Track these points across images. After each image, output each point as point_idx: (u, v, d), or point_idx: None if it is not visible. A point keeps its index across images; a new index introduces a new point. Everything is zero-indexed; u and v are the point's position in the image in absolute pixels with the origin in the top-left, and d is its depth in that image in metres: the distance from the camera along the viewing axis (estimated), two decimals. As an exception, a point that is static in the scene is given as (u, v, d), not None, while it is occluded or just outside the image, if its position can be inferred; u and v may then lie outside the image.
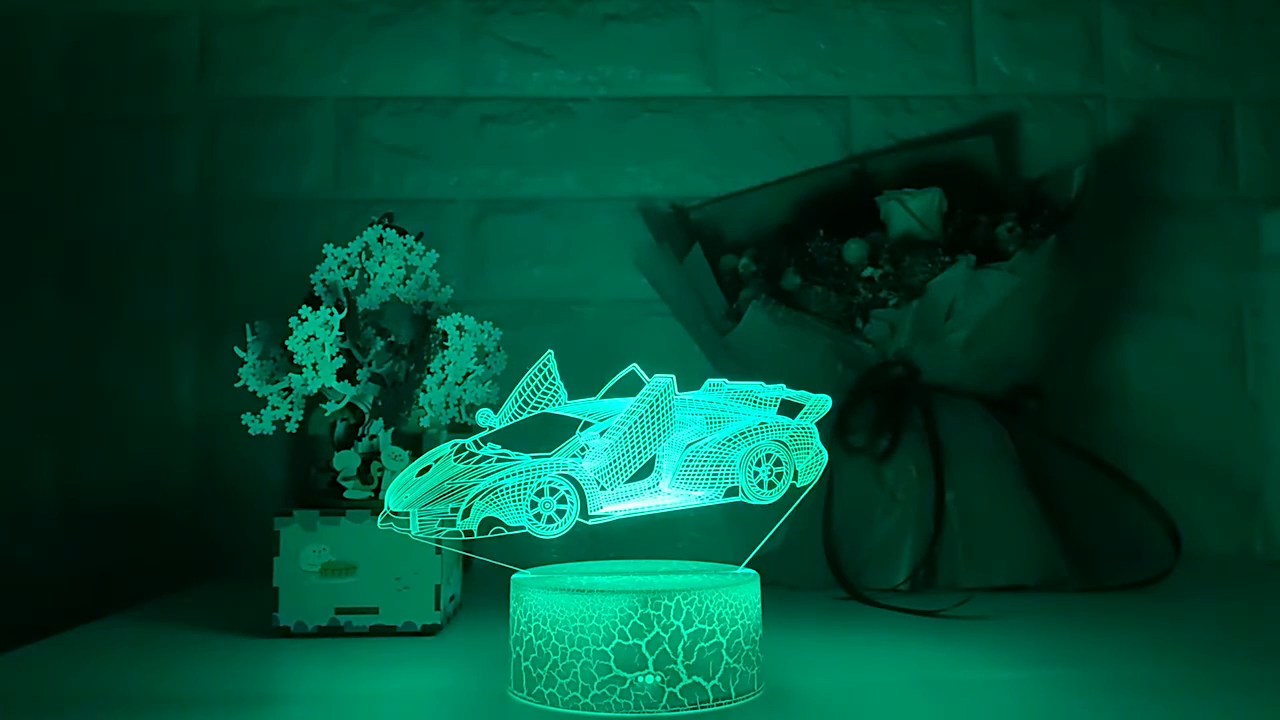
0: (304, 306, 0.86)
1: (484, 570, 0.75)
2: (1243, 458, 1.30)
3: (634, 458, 0.66)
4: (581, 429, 0.67)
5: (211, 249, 1.29)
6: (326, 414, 0.91)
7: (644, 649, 0.62)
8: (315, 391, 0.87)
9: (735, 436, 0.67)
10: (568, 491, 0.65)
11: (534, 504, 0.65)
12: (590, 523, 0.66)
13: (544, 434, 0.68)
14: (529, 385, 0.69)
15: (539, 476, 0.65)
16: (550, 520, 0.65)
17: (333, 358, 0.86)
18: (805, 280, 1.11)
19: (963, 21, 1.34)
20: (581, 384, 0.71)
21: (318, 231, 0.99)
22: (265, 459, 1.21)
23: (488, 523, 0.65)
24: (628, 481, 0.67)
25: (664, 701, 0.62)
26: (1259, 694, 0.68)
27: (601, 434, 0.66)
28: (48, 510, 1.25)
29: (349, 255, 0.91)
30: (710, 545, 1.24)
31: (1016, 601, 0.97)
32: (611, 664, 0.62)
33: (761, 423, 0.68)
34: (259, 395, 0.89)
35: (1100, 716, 0.64)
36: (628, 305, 1.30)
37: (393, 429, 0.90)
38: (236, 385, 0.89)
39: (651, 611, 0.62)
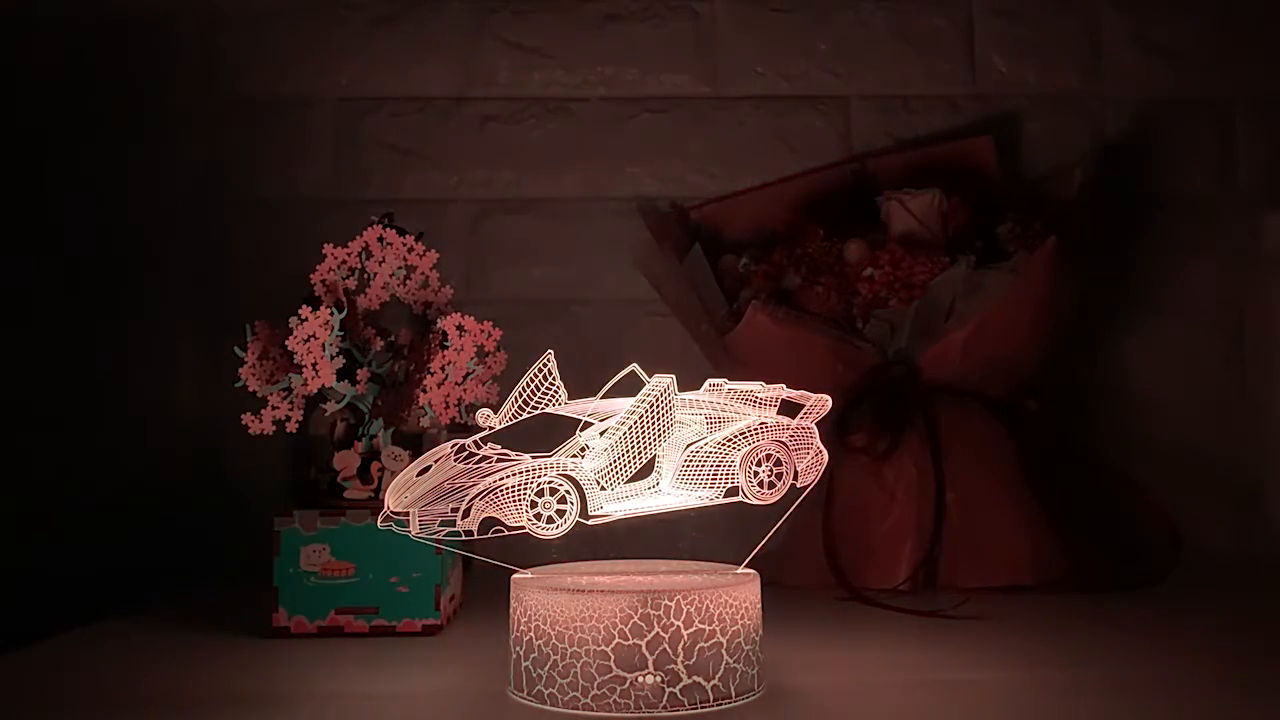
0: (304, 306, 0.86)
1: (484, 570, 0.75)
2: (1243, 458, 1.30)
3: (634, 458, 0.66)
4: (581, 429, 0.67)
5: (211, 249, 1.29)
6: (326, 414, 0.91)
7: (644, 649, 0.62)
8: (315, 391, 0.87)
9: (735, 436, 0.68)
10: (568, 491, 0.65)
11: (534, 504, 0.65)
12: (590, 523, 0.66)
13: (544, 434, 0.68)
14: (529, 385, 0.69)
15: (539, 476, 0.65)
16: (550, 520, 0.65)
17: (333, 358, 0.86)
18: (805, 280, 1.11)
19: (963, 21, 1.34)
20: (581, 384, 0.71)
21: (318, 231, 0.99)
22: (265, 459, 1.21)
23: (488, 523, 0.65)
24: (628, 481, 0.67)
25: (664, 701, 0.62)
26: (1259, 694, 0.68)
27: (601, 434, 0.67)
28: (47, 510, 1.24)
29: (349, 255, 0.91)
30: (710, 545, 1.23)
31: (1016, 601, 0.97)
32: (611, 664, 0.62)
33: (761, 423, 0.69)
34: (259, 395, 0.89)
35: (1100, 717, 0.64)
36: (628, 305, 1.30)
37: (393, 429, 0.90)
38: (236, 385, 0.89)
39: (651, 611, 0.62)
